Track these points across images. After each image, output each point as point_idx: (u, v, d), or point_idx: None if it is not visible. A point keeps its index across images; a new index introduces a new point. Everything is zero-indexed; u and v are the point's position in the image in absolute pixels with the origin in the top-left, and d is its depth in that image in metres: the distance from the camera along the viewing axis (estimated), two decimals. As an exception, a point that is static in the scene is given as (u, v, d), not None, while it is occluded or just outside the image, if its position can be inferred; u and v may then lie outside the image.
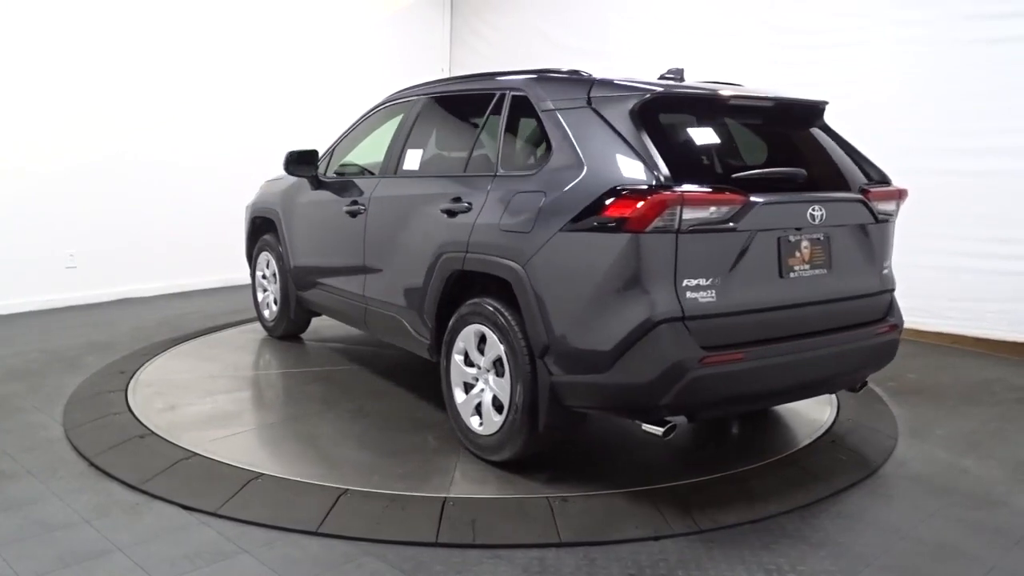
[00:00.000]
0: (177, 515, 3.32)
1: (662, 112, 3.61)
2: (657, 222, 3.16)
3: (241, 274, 8.65)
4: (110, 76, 7.44)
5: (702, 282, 3.27)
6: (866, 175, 3.95)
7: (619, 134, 3.43)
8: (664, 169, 3.24)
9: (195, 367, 5.40)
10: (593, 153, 3.47)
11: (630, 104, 3.49)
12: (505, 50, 9.96)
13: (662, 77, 4.20)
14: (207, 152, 8.29)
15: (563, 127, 3.63)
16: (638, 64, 8.50)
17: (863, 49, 6.95)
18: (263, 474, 3.66)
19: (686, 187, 3.21)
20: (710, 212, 3.25)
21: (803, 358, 3.57)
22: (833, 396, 5.02)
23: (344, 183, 5.25)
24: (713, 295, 3.29)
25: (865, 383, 4.17)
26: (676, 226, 3.18)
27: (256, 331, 6.47)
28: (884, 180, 3.97)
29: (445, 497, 3.47)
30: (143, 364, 5.40)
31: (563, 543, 3.15)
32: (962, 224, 6.47)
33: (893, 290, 4.02)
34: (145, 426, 4.23)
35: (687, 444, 4.22)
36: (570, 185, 3.46)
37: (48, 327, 6.57)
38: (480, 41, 10.34)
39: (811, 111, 4.12)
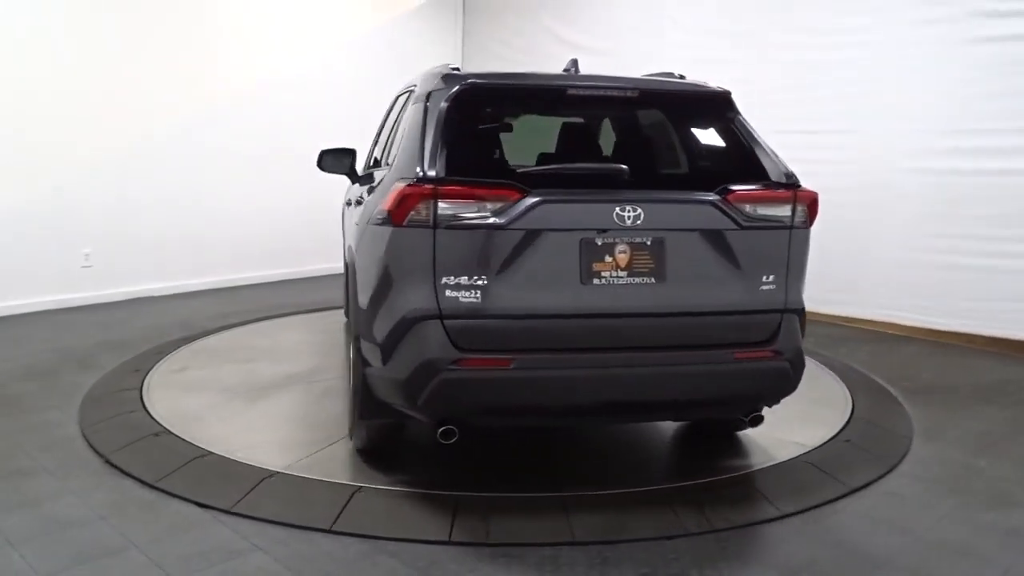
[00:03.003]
0: (192, 513, 3.34)
1: (480, 105, 3.55)
2: (412, 216, 3.09)
3: (253, 274, 8.74)
4: (128, 77, 7.48)
5: (464, 280, 3.10)
6: (763, 174, 3.45)
7: (424, 128, 3.36)
8: (434, 163, 3.16)
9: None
10: (405, 147, 3.47)
11: (443, 98, 3.41)
12: (517, 49, 9.99)
13: (564, 70, 4.07)
14: (223, 153, 8.33)
15: (407, 121, 3.62)
16: (648, 63, 8.52)
17: (875, 49, 6.92)
18: (276, 472, 3.68)
19: (448, 181, 3.10)
20: (474, 208, 3.10)
21: (609, 375, 3.22)
22: (848, 394, 5.01)
23: (359, 178, 5.41)
24: (478, 295, 3.10)
25: (758, 417, 3.57)
26: (432, 221, 3.08)
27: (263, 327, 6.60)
28: (787, 181, 3.42)
29: (457, 495, 3.48)
30: (158, 362, 5.45)
31: (576, 542, 3.14)
32: (976, 223, 6.45)
33: (786, 311, 3.41)
34: (160, 424, 4.26)
35: (700, 444, 4.21)
36: (384, 179, 3.53)
37: (63, 326, 6.61)
38: (492, 40, 10.37)
39: (702, 102, 3.80)
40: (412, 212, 3.09)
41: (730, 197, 3.30)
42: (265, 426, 4.37)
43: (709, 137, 3.78)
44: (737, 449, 4.15)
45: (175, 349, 5.81)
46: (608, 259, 3.19)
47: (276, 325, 6.79)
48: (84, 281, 7.39)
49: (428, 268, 3.10)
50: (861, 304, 7.21)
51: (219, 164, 8.30)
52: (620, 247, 3.20)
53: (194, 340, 6.12)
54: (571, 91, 3.61)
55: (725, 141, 3.68)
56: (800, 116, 7.44)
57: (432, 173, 3.13)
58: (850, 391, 5.08)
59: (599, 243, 3.19)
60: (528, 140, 4.39)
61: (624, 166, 3.34)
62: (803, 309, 3.49)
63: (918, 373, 5.67)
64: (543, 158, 4.13)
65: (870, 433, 4.41)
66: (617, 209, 3.17)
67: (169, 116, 7.87)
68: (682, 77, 3.91)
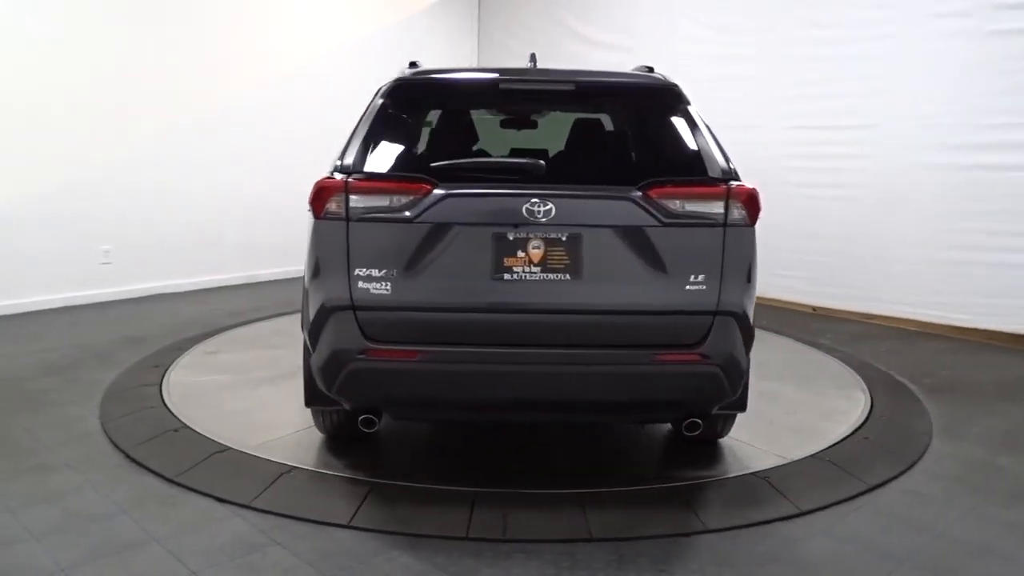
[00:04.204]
0: (211, 507, 3.36)
1: (413, 101, 3.58)
2: (329, 208, 3.17)
3: (271, 270, 8.77)
4: (144, 78, 7.53)
5: (375, 273, 3.14)
6: (700, 169, 3.30)
7: (359, 123, 3.46)
8: (353, 157, 3.26)
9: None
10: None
11: (379, 94, 3.52)
12: (533, 44, 9.95)
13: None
14: (238, 152, 8.37)
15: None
16: (665, 59, 8.49)
17: (893, 43, 6.87)
18: (294, 467, 3.71)
19: (359, 175, 3.20)
20: (384, 201, 3.15)
21: (519, 371, 3.18)
22: (866, 391, 4.97)
23: None
24: (387, 287, 3.15)
25: (695, 424, 3.43)
26: (345, 214, 3.15)
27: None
28: (722, 177, 3.26)
29: (474, 491, 3.48)
30: (177, 357, 5.49)
31: (593, 538, 3.14)
32: (997, 218, 6.39)
33: (719, 313, 3.20)
34: (179, 419, 4.30)
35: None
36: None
37: (83, 322, 6.67)
38: (509, 36, 10.37)
39: (647, 95, 3.70)
40: (327, 205, 3.18)
41: (651, 192, 3.17)
42: (255, 409, 4.49)
43: (652, 131, 3.72)
44: (754, 446, 4.13)
45: (193, 345, 5.84)
46: (520, 254, 3.15)
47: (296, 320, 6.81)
48: (103, 278, 7.44)
49: (343, 260, 3.16)
50: (881, 300, 7.16)
51: (235, 162, 8.34)
52: (534, 242, 3.15)
53: (215, 335, 6.16)
54: (503, 86, 3.62)
55: (668, 135, 3.58)
56: (817, 111, 7.40)
57: (349, 167, 3.24)
58: (869, 388, 5.04)
59: (511, 238, 3.15)
60: (545, 135, 4.40)
61: (540, 161, 3.30)
62: (745, 313, 3.27)
63: (938, 370, 5.62)
64: (513, 153, 4.16)
65: (889, 430, 4.38)
66: (527, 204, 3.12)
67: (186, 115, 7.91)
68: (650, 70, 3.86)
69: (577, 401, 3.34)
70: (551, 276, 3.15)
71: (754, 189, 3.26)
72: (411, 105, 3.58)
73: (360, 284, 3.15)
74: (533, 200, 3.12)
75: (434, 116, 3.96)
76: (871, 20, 6.98)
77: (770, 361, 5.66)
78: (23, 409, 4.50)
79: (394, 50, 9.60)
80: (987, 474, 3.86)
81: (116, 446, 3.98)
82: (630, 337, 3.22)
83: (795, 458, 3.93)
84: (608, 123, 4.09)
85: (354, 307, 3.16)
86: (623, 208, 3.17)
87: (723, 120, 8.00)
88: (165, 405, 4.53)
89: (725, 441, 4.11)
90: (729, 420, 3.94)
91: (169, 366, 5.28)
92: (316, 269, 3.26)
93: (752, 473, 3.74)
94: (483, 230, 3.16)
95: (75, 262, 7.24)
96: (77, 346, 5.84)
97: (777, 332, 6.60)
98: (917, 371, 5.54)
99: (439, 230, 3.14)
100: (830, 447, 4.08)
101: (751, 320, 3.32)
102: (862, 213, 7.21)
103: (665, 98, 3.58)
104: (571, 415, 3.69)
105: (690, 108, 3.51)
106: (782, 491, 3.56)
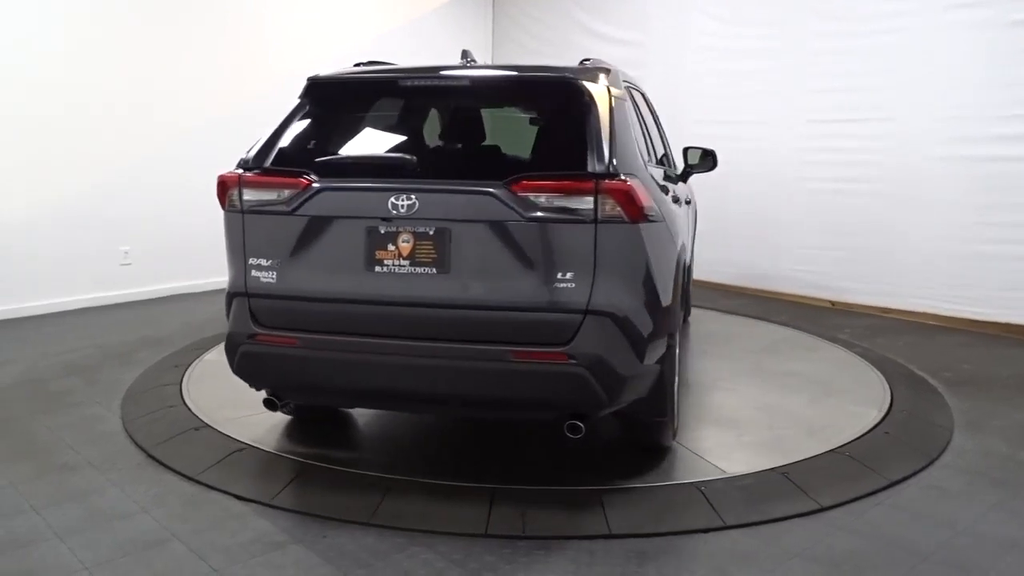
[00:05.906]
0: (232, 505, 3.38)
1: (323, 98, 3.73)
2: (230, 200, 3.42)
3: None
4: (161, 75, 7.58)
5: (263, 262, 3.35)
6: (581, 164, 3.15)
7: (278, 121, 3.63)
8: (254, 153, 3.48)
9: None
10: None
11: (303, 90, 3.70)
12: (547, 42, 9.98)
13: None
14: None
15: None
16: (678, 54, 8.48)
17: (911, 35, 6.81)
18: (314, 465, 3.73)
19: (251, 170, 3.42)
20: (271, 195, 3.35)
21: (385, 362, 3.23)
22: (886, 385, 4.94)
23: None
24: (274, 276, 3.33)
25: (575, 426, 3.20)
26: (240, 206, 3.39)
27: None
28: (602, 173, 3.09)
29: (493, 488, 3.48)
30: (197, 358, 5.52)
31: (613, 535, 3.14)
32: (1015, 211, 6.33)
33: (590, 313, 3.09)
34: (200, 418, 4.32)
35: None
36: None
37: (104, 323, 6.72)
38: (522, 33, 10.37)
39: (545, 90, 3.69)
40: (227, 197, 3.43)
41: (514, 187, 3.10)
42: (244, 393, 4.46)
43: (547, 125, 3.81)
44: (773, 441, 4.11)
45: (213, 344, 5.87)
46: (390, 247, 3.22)
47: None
48: (123, 279, 7.50)
49: (240, 249, 3.41)
50: (899, 294, 7.11)
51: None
52: (403, 236, 3.21)
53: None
54: (402, 83, 3.79)
55: (558, 129, 3.60)
56: (833, 105, 7.36)
57: (248, 161, 3.46)
58: (888, 382, 5.01)
59: (382, 231, 3.23)
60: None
61: (411, 156, 3.50)
62: (625, 315, 3.14)
63: (958, 364, 5.58)
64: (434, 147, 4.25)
65: (910, 425, 4.35)
66: (392, 198, 3.19)
67: (201, 117, 7.93)
68: (586, 61, 3.86)
69: (440, 395, 3.34)
70: (419, 270, 3.22)
71: (630, 186, 3.10)
72: (323, 104, 3.71)
73: (253, 272, 3.37)
74: (398, 194, 3.20)
75: (333, 111, 4.04)
76: (888, 12, 6.93)
77: (786, 362, 5.64)
78: (45, 409, 4.55)
79: (407, 49, 9.61)
80: (1010, 468, 3.83)
81: (137, 445, 4.02)
82: (492, 333, 3.17)
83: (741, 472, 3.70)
84: (515, 117, 4.26)
85: (248, 294, 3.39)
86: (486, 203, 3.13)
87: (737, 115, 8.04)
88: (185, 404, 4.56)
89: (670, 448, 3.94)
90: (659, 427, 3.77)
91: (189, 365, 5.32)
92: (228, 257, 3.48)
93: (770, 469, 3.71)
94: (357, 223, 3.27)
95: (94, 264, 7.30)
96: (98, 347, 5.89)
97: (796, 328, 6.57)
98: (936, 365, 5.50)
99: (317, 223, 3.29)
100: (849, 442, 4.04)
101: (643, 323, 3.23)
102: (879, 207, 7.16)
103: (563, 91, 3.53)
104: (438, 408, 3.77)
105: (593, 101, 3.36)
106: (802, 487, 3.54)
